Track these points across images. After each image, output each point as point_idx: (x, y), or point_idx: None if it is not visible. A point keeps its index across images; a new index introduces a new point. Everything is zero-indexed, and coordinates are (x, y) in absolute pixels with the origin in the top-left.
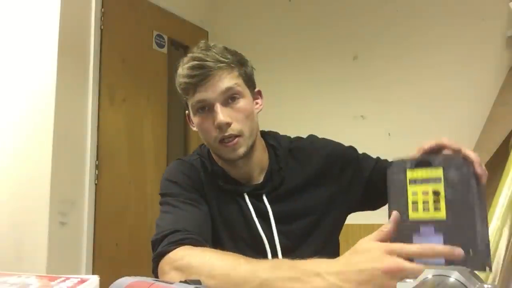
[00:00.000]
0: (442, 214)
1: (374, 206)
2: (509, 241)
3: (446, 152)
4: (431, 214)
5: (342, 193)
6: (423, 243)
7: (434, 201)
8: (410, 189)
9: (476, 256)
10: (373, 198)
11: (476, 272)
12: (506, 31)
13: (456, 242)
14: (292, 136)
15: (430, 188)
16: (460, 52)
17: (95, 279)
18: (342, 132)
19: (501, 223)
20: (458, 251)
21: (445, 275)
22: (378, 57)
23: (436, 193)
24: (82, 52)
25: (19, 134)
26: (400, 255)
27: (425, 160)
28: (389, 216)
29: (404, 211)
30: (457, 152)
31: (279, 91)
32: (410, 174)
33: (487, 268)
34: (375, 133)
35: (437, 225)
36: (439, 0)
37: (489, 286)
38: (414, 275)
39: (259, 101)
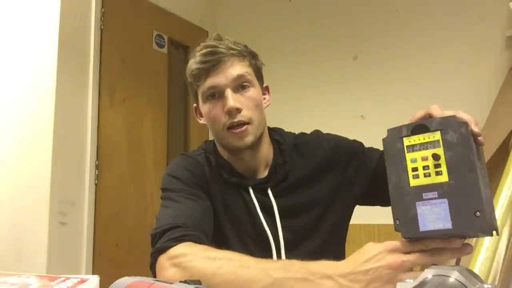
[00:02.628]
0: (444, 177)
1: (383, 200)
2: (509, 241)
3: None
4: (433, 179)
5: (347, 186)
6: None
7: (435, 166)
8: (409, 156)
9: (483, 218)
10: (380, 190)
11: (483, 236)
12: (506, 31)
13: (462, 204)
14: (296, 133)
15: (429, 152)
16: (460, 52)
17: (95, 279)
18: (342, 132)
19: (501, 223)
20: (455, 243)
21: (445, 275)
22: (378, 57)
23: (436, 157)
24: (82, 52)
25: (19, 134)
26: (402, 251)
27: (421, 125)
28: (389, 187)
29: (404, 179)
30: (452, 114)
31: (279, 91)
32: (407, 141)
33: (494, 232)
34: (375, 133)
35: (440, 190)
36: (439, 0)
37: (489, 286)
38: (416, 265)
39: (266, 96)
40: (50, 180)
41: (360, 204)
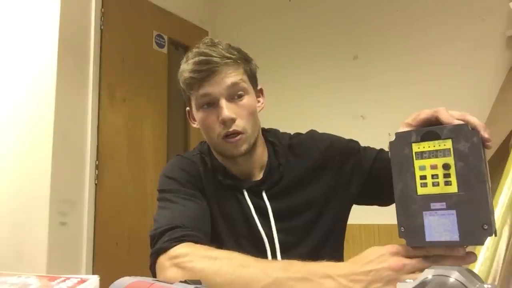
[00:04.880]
0: (453, 188)
1: (379, 199)
2: (509, 241)
3: (444, 120)
4: (442, 189)
5: (343, 186)
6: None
7: (444, 175)
8: (417, 163)
9: (490, 231)
10: (376, 190)
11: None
12: (506, 31)
13: (470, 217)
14: (292, 134)
15: (439, 161)
16: (460, 52)
17: (95, 279)
18: (342, 132)
19: (501, 223)
20: (458, 251)
21: (445, 275)
22: (378, 57)
23: (446, 167)
24: (82, 52)
25: (19, 134)
26: (404, 255)
27: (431, 131)
28: (395, 193)
29: (411, 187)
30: (463, 122)
31: (278, 91)
32: (416, 147)
33: (493, 234)
34: (375, 133)
35: (449, 201)
36: (439, 0)
37: (489, 286)
38: (417, 270)
39: (261, 99)
40: (50, 180)
41: (357, 204)
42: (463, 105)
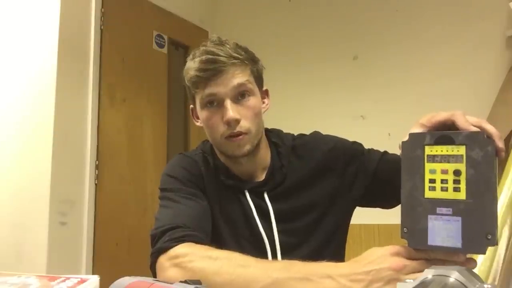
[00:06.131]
0: (462, 195)
1: (382, 202)
2: (509, 241)
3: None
4: (450, 195)
5: (346, 188)
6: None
7: (454, 181)
8: (428, 166)
9: (493, 241)
10: (379, 192)
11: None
12: (506, 31)
13: (475, 226)
14: (295, 134)
15: (450, 167)
16: (460, 52)
17: (95, 279)
18: (342, 132)
19: (501, 223)
20: (458, 257)
21: (445, 275)
22: (378, 57)
23: (457, 173)
24: (82, 52)
25: (19, 134)
26: (404, 257)
27: (446, 136)
28: (402, 193)
29: (419, 189)
30: (480, 129)
31: (278, 91)
32: (429, 150)
33: (495, 244)
34: (375, 133)
35: (456, 207)
36: (439, 0)
37: (489, 286)
38: (418, 271)
39: (266, 100)
40: (50, 180)
41: (360, 206)
42: (463, 105)
